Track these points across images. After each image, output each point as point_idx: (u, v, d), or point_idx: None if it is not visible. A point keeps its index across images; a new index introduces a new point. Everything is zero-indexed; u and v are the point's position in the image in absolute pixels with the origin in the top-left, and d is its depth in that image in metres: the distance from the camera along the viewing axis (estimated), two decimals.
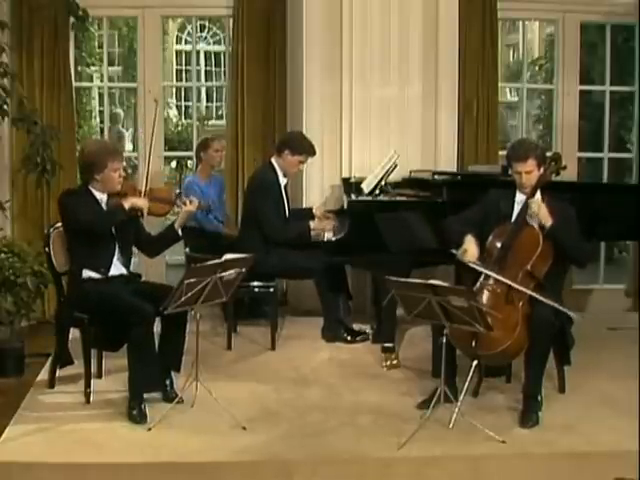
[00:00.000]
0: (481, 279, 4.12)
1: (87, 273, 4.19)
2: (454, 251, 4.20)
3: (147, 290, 4.23)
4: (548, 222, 4.06)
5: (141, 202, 4.29)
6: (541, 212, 4.07)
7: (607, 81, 6.73)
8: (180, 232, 4.41)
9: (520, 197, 4.24)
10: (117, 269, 4.26)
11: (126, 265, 4.33)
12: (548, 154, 4.39)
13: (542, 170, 4.18)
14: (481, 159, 6.24)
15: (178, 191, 4.73)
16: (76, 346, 4.27)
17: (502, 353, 3.90)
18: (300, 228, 5.28)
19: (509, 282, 4.00)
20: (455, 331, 3.84)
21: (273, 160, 5.35)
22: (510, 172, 4.28)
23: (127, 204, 4.18)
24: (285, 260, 5.22)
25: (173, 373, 4.23)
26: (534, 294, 3.98)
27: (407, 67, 5.89)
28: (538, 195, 4.15)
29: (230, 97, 6.33)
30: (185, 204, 4.39)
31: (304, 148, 5.30)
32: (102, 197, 4.26)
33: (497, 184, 4.72)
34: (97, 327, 4.22)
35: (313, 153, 5.37)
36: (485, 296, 4.04)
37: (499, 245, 4.13)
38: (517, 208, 4.22)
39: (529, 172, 4.15)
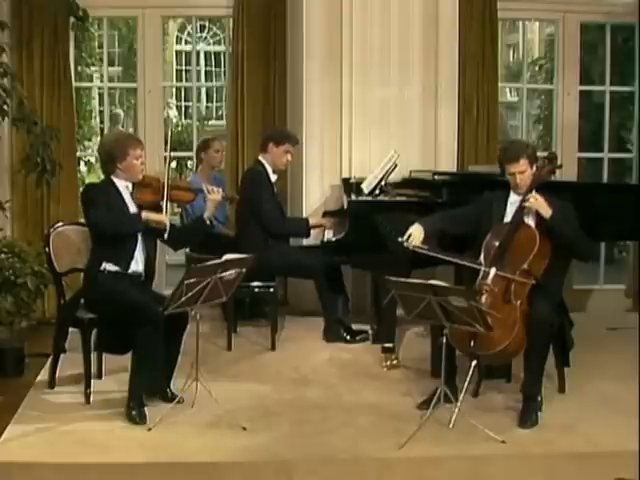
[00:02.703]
0: (479, 279, 4.12)
1: (106, 266, 4.17)
2: (400, 239, 4.28)
3: (153, 296, 4.23)
4: (548, 213, 4.07)
5: (161, 217, 4.21)
6: (539, 204, 4.08)
7: (607, 81, 6.73)
8: (208, 222, 4.43)
9: (513, 198, 4.25)
10: (136, 265, 4.24)
11: (146, 262, 4.29)
12: (544, 154, 4.42)
13: (535, 169, 4.20)
14: (481, 159, 6.24)
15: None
16: (76, 346, 4.27)
17: (501, 353, 3.90)
18: (298, 222, 5.47)
19: (463, 262, 4.13)
20: (454, 331, 3.84)
21: (260, 158, 5.39)
22: (506, 174, 4.29)
23: (146, 216, 4.18)
24: (285, 257, 5.25)
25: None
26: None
27: (407, 67, 5.89)
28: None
29: (230, 97, 6.33)
30: (210, 192, 4.41)
31: (286, 137, 5.39)
32: (127, 185, 4.26)
33: (497, 184, 4.71)
34: (103, 327, 4.24)
35: (296, 141, 5.45)
36: (483, 296, 4.03)
37: (496, 244, 4.14)
38: (510, 209, 4.24)
39: (522, 172, 4.17)
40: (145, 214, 4.18)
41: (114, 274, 4.17)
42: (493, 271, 4.07)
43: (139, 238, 4.23)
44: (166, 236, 4.20)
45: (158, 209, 4.24)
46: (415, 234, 4.29)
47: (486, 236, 4.21)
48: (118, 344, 4.23)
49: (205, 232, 4.52)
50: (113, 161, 4.23)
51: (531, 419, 3.94)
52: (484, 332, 3.71)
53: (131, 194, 4.26)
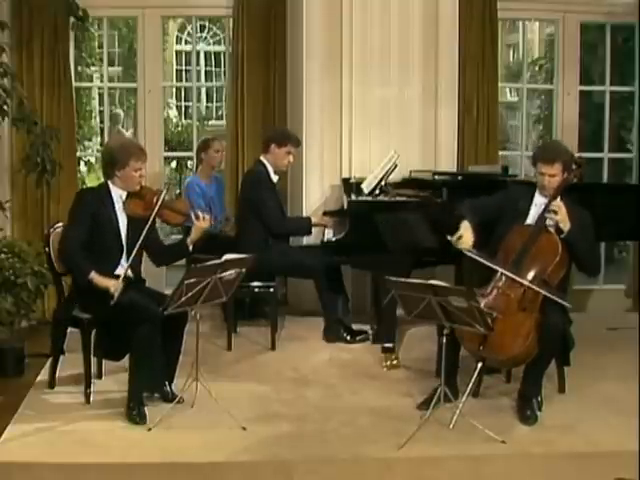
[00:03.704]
0: (493, 282, 4.07)
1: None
2: (449, 237, 4.16)
3: (150, 295, 4.23)
4: (566, 227, 4.01)
5: (110, 284, 4.07)
6: (561, 215, 4.01)
7: (607, 81, 6.73)
8: (191, 248, 4.37)
9: (539, 199, 4.18)
10: (122, 270, 4.22)
11: (134, 269, 4.29)
12: (574, 158, 4.34)
13: (566, 175, 4.13)
14: (481, 159, 6.24)
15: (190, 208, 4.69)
16: (76, 346, 4.27)
17: (512, 359, 3.90)
18: (300, 221, 5.49)
19: (510, 274, 3.98)
20: (464, 332, 3.83)
21: (262, 158, 5.39)
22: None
23: (92, 278, 4.09)
24: (285, 257, 5.26)
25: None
26: (537, 288, 3.95)
27: (407, 67, 5.89)
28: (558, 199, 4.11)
29: (230, 97, 6.33)
30: (198, 219, 4.33)
31: (288, 138, 5.39)
32: (122, 194, 4.26)
33: (497, 184, 4.72)
34: (99, 332, 4.24)
35: (298, 143, 5.45)
36: (498, 300, 4.00)
37: (517, 247, 4.07)
38: (534, 210, 4.18)
39: (553, 175, 4.10)
40: (93, 275, 4.08)
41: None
42: (510, 275, 4.01)
43: (124, 245, 4.23)
44: (112, 302, 4.04)
45: (145, 223, 4.20)
46: (466, 236, 4.13)
47: (503, 235, 4.15)
48: (114, 349, 4.22)
49: (185, 256, 4.49)
50: (112, 167, 4.24)
51: (531, 416, 3.95)
52: (488, 334, 3.71)
53: (123, 202, 4.25)
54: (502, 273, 4.04)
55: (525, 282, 3.97)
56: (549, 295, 3.95)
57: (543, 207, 4.10)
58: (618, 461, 3.56)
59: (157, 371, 4.07)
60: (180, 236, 5.23)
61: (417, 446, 3.66)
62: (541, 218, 4.09)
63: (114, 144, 4.44)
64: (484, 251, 4.14)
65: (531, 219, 4.18)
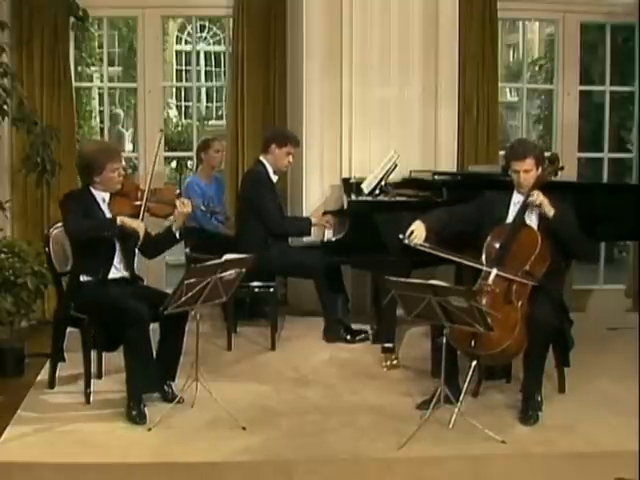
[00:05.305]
0: (480, 279, 4.12)
1: (83, 277, 4.21)
2: (401, 236, 4.24)
3: (146, 294, 4.23)
4: (550, 212, 4.09)
5: (136, 224, 4.15)
6: (544, 202, 4.10)
7: (607, 81, 6.73)
8: (178, 235, 4.34)
9: (517, 198, 4.26)
10: (117, 272, 4.25)
11: (129, 267, 4.31)
12: (547, 154, 4.42)
13: (540, 170, 4.20)
14: (481, 159, 6.24)
15: (178, 191, 4.69)
16: (76, 346, 4.27)
17: (502, 353, 3.90)
18: (300, 222, 5.46)
19: (464, 261, 4.11)
20: (454, 331, 3.84)
21: (261, 158, 5.39)
22: (509, 172, 4.30)
23: (121, 221, 4.11)
24: (285, 257, 5.26)
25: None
26: (517, 278, 4.03)
27: (407, 67, 5.89)
28: None
29: (230, 97, 6.33)
30: (179, 205, 4.29)
31: (289, 138, 5.38)
32: (104, 196, 4.26)
33: (497, 184, 4.72)
34: (95, 327, 4.24)
35: (297, 143, 5.45)
36: (484, 296, 4.04)
37: (497, 245, 4.14)
38: (513, 209, 4.24)
39: (527, 171, 4.18)
40: (121, 219, 4.12)
41: (96, 282, 4.18)
42: (494, 271, 4.07)
43: (117, 247, 4.23)
44: (139, 243, 4.14)
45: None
46: (417, 231, 4.26)
47: (487, 237, 4.21)
48: (110, 339, 4.23)
49: (173, 244, 4.46)
50: (90, 173, 4.23)
51: (532, 417, 3.95)
52: (484, 332, 3.71)
53: (108, 205, 4.24)
54: (486, 270, 4.11)
55: (486, 268, 4.06)
56: (522, 280, 4.01)
57: (521, 204, 4.18)
58: (618, 461, 3.56)
59: (152, 371, 4.07)
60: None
61: (417, 446, 3.66)
62: (519, 214, 4.16)
63: (87, 150, 4.39)
64: (469, 255, 4.21)
65: (511, 219, 4.23)
